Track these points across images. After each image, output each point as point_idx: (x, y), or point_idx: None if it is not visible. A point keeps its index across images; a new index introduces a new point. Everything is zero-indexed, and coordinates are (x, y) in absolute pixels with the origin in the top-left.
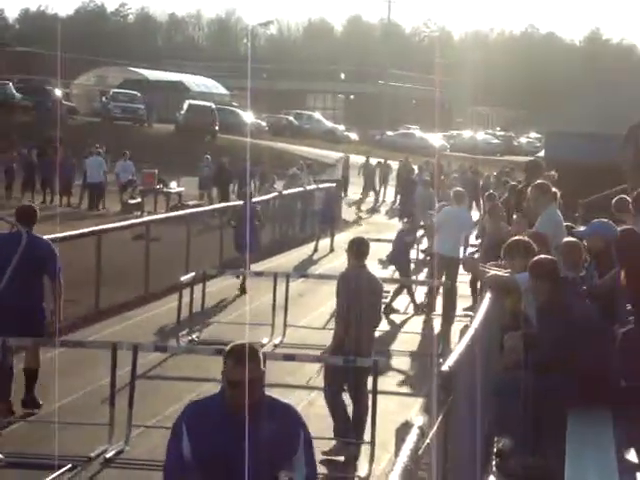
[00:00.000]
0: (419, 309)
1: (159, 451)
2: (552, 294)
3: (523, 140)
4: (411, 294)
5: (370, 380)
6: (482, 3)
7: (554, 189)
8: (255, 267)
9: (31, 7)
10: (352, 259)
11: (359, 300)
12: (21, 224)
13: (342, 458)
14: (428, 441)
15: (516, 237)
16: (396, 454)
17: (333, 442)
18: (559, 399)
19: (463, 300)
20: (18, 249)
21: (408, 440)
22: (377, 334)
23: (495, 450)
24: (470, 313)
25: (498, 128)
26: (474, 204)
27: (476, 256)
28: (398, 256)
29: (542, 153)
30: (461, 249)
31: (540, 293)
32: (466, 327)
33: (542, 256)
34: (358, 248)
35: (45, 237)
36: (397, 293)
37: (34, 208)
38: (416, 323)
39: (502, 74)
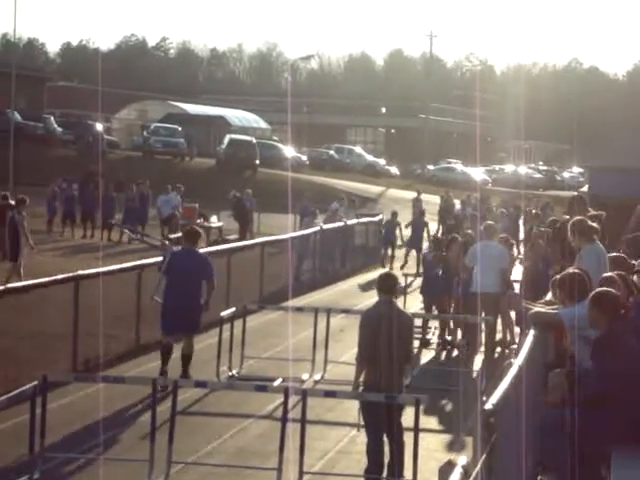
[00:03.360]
0: (446, 344)
1: None
2: (611, 327)
3: (566, 175)
4: (443, 329)
5: (403, 417)
6: (525, 37)
7: (594, 224)
8: (296, 302)
9: (72, 41)
10: (381, 294)
11: (388, 336)
12: (188, 243)
13: None
14: None
15: (570, 271)
16: None
17: None
18: (604, 437)
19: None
20: (192, 262)
21: (452, 479)
22: (416, 370)
23: None
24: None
25: (541, 162)
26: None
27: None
28: (428, 288)
29: (585, 188)
30: (498, 284)
31: (599, 325)
32: (509, 364)
33: (605, 288)
34: (385, 283)
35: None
36: (446, 327)
37: (197, 230)
38: (454, 359)
39: (545, 108)
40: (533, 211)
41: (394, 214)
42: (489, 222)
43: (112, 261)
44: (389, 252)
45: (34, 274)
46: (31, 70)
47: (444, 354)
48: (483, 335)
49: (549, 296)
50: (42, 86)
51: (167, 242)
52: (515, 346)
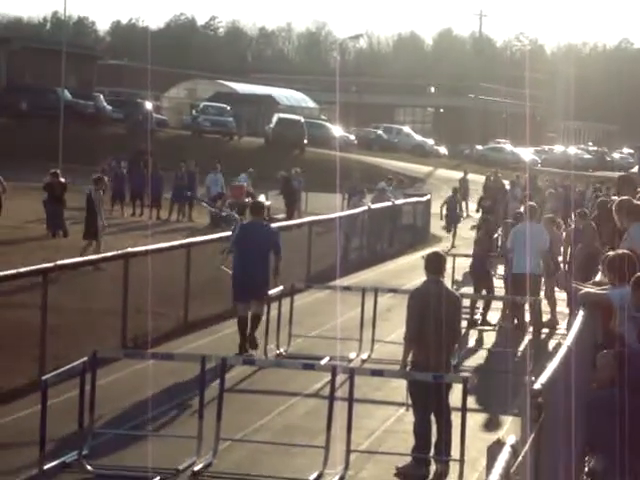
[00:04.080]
0: (483, 324)
1: (246, 465)
2: None
3: (616, 155)
4: (485, 308)
5: (451, 396)
6: (575, 17)
7: None
8: (343, 281)
9: (122, 20)
10: (429, 274)
11: (436, 316)
12: (255, 217)
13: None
14: (520, 459)
15: (620, 251)
16: (487, 472)
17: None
18: None
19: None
20: (260, 234)
21: (500, 459)
22: (464, 350)
23: (587, 469)
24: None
25: (590, 143)
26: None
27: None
28: (477, 268)
29: (635, 169)
30: (538, 265)
31: None
32: (559, 344)
33: None
34: (434, 263)
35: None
36: (487, 307)
37: (263, 203)
38: (501, 338)
39: (595, 88)
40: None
41: (455, 191)
42: (531, 203)
43: (161, 239)
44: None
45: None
46: (81, 48)
47: (494, 335)
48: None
49: (599, 277)
50: (92, 64)
51: (239, 217)
52: (559, 328)
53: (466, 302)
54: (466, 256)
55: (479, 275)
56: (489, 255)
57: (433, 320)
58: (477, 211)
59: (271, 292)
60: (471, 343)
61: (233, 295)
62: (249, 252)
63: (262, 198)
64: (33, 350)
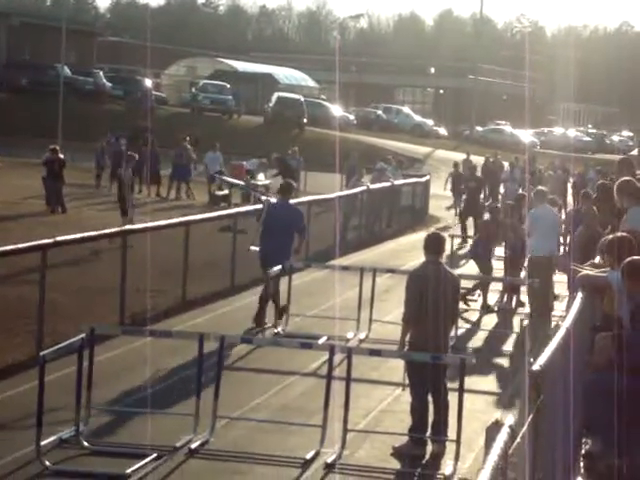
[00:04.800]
0: (488, 307)
1: (243, 442)
2: None
3: (615, 138)
4: (484, 290)
5: (448, 376)
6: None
7: None
8: (341, 261)
9: None
10: (428, 255)
11: (435, 296)
12: (283, 197)
13: (415, 453)
14: (519, 440)
15: (619, 234)
16: (486, 453)
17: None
18: None
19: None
20: (287, 214)
21: (498, 439)
22: (461, 331)
23: (583, 451)
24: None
25: (590, 125)
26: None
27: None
28: (476, 251)
29: (635, 152)
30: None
31: (634, 293)
32: (557, 326)
33: (636, 257)
34: (433, 244)
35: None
36: (475, 288)
37: (292, 184)
38: (500, 320)
39: (595, 71)
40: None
41: (456, 165)
42: (540, 187)
43: (160, 216)
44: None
45: (82, 227)
46: (81, 25)
47: (493, 316)
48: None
49: (598, 259)
50: (92, 41)
51: (267, 195)
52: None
53: (465, 283)
54: (463, 237)
55: (481, 258)
56: (493, 240)
57: (432, 301)
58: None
59: (270, 271)
60: (469, 324)
61: (262, 269)
62: (275, 231)
63: (261, 177)
64: (31, 326)
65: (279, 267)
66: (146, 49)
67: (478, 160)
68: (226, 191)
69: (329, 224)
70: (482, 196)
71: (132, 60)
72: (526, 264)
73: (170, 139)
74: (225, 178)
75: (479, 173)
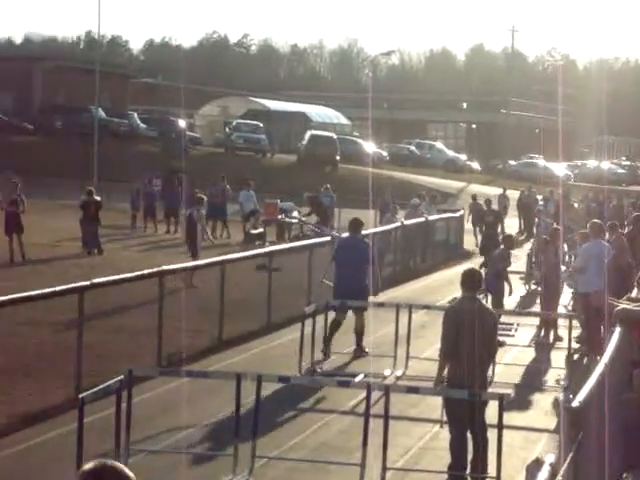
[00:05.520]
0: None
1: None
2: None
3: None
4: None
5: (487, 413)
6: (607, 31)
7: None
8: (377, 298)
9: (155, 38)
10: (464, 291)
11: (472, 332)
12: (353, 232)
13: None
14: (559, 478)
15: None
16: None
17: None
18: None
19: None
20: (357, 247)
21: (539, 477)
22: (499, 367)
23: None
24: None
25: (623, 158)
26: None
27: None
28: (492, 283)
29: None
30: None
31: None
32: (595, 361)
33: None
34: (469, 280)
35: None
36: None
37: (361, 220)
38: (538, 355)
39: (627, 103)
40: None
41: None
42: (595, 220)
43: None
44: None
45: (119, 269)
46: (115, 67)
47: (530, 352)
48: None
49: (635, 292)
50: (126, 83)
51: (336, 232)
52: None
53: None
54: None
55: (495, 290)
56: (505, 271)
57: (468, 337)
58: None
59: (306, 309)
60: (507, 359)
61: (335, 306)
62: (347, 265)
63: (295, 214)
64: (70, 368)
65: (360, 303)
66: (179, 90)
67: (513, 194)
68: (261, 229)
69: None
70: (499, 229)
71: (166, 101)
72: (572, 299)
73: (204, 179)
74: (294, 218)
75: (496, 206)
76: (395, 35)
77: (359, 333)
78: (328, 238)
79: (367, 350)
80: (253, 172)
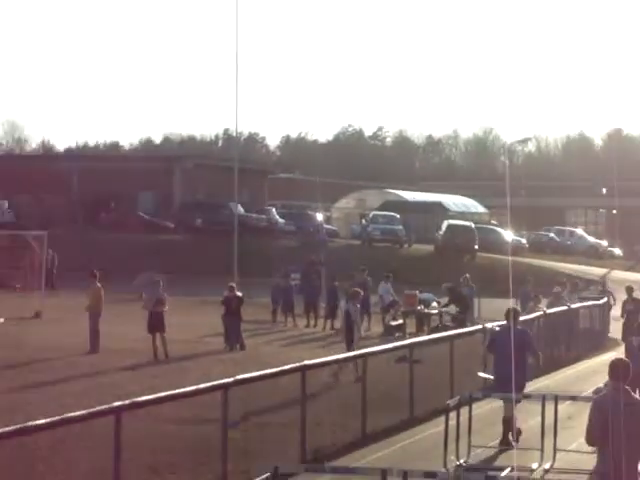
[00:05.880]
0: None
1: None
2: None
3: None
4: None
5: None
6: None
7: None
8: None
9: (292, 134)
10: (611, 381)
11: (618, 424)
12: (509, 320)
13: None
14: None
15: None
16: None
17: None
18: None
19: None
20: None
21: None
22: None
23: None
24: None
25: None
26: None
27: None
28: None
29: None
30: None
31: None
32: None
33: None
34: (616, 370)
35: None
36: None
37: (518, 310)
38: None
39: None
40: None
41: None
42: None
43: (337, 350)
44: None
45: (262, 364)
46: (253, 163)
47: None
48: None
49: None
50: (264, 179)
51: (489, 324)
52: None
53: None
54: None
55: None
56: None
57: (617, 430)
58: (622, 316)
59: (449, 401)
60: None
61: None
62: (505, 355)
63: (434, 305)
64: (215, 465)
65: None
66: (316, 184)
67: None
68: (400, 321)
69: None
70: None
71: (303, 195)
72: None
73: (343, 271)
74: (434, 309)
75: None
76: (531, 122)
77: (506, 422)
78: (476, 327)
79: (513, 442)
80: (391, 263)
